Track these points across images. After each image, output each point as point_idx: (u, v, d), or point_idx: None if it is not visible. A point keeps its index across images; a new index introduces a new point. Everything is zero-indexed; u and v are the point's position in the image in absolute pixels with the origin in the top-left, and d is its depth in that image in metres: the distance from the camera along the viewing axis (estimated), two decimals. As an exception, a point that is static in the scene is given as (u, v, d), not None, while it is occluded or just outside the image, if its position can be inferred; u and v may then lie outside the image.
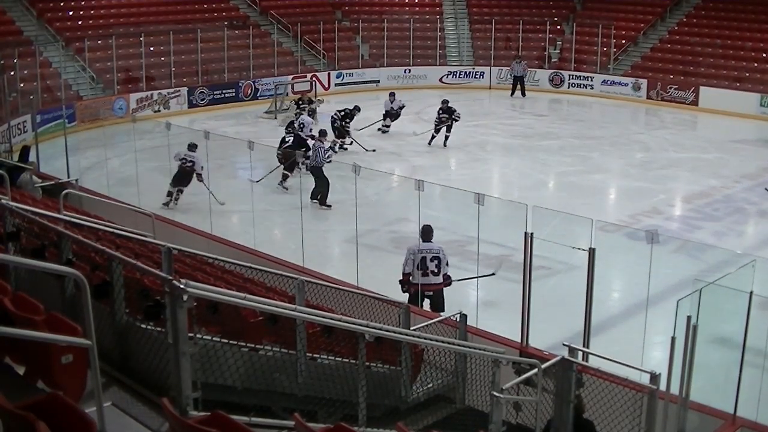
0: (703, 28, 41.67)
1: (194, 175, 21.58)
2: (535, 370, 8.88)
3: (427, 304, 14.25)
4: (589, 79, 41.72)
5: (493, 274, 13.59)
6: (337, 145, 26.20)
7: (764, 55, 39.00)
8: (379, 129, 30.18)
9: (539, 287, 13.49)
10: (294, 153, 23.22)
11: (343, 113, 27.61)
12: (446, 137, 28.66)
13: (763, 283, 11.84)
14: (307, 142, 24.02)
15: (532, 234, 12.11)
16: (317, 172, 21.47)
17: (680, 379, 9.46)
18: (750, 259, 12.37)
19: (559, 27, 44.12)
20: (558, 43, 43.64)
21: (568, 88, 41.86)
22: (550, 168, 27.15)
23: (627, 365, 9.19)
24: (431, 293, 14.27)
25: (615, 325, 14.67)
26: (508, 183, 25.66)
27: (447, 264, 14.42)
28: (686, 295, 9.76)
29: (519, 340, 11.99)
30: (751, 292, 10.17)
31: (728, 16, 41.34)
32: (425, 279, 14.17)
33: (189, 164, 21.66)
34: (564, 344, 9.54)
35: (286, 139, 24.63)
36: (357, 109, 27.89)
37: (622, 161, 28.29)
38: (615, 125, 34.83)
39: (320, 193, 21.41)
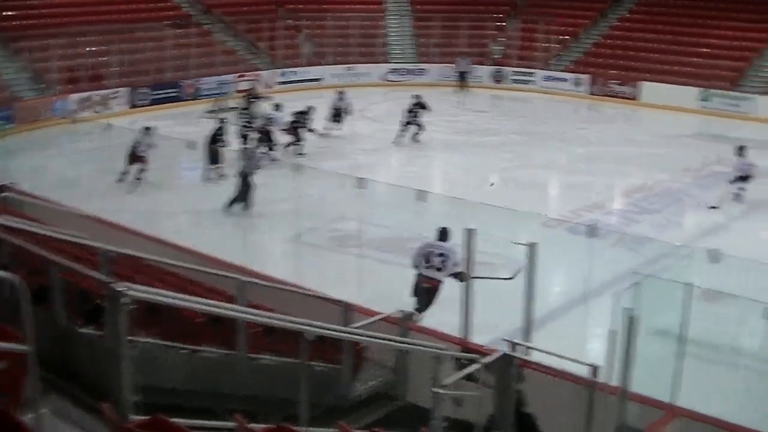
0: (644, 24, 42.15)
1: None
2: (477, 366, 8.94)
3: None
4: (531, 75, 42.06)
5: (511, 278, 13.67)
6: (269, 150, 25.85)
7: (704, 50, 39.58)
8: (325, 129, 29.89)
9: (481, 283, 13.60)
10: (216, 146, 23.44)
11: (296, 118, 27.35)
12: (416, 133, 28.91)
13: (701, 274, 12.04)
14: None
15: (473, 230, 12.18)
16: (245, 178, 20.85)
17: (620, 371, 9.57)
18: (688, 251, 12.56)
19: (501, 23, 44.35)
20: (500, 39, 43.85)
21: (511, 84, 42.13)
22: (491, 164, 27.24)
23: (567, 358, 9.28)
24: (429, 286, 14.24)
25: (557, 318, 14.78)
26: (450, 180, 25.69)
27: (456, 265, 14.05)
28: (625, 287, 9.89)
29: (460, 336, 12.06)
30: (689, 284, 10.33)
31: (669, 11, 41.91)
32: (428, 271, 14.21)
33: (136, 144, 22.74)
34: (504, 339, 9.61)
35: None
36: (311, 109, 27.73)
37: (564, 156, 28.48)
38: (557, 121, 35.09)
39: (237, 197, 20.83)
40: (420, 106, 29.11)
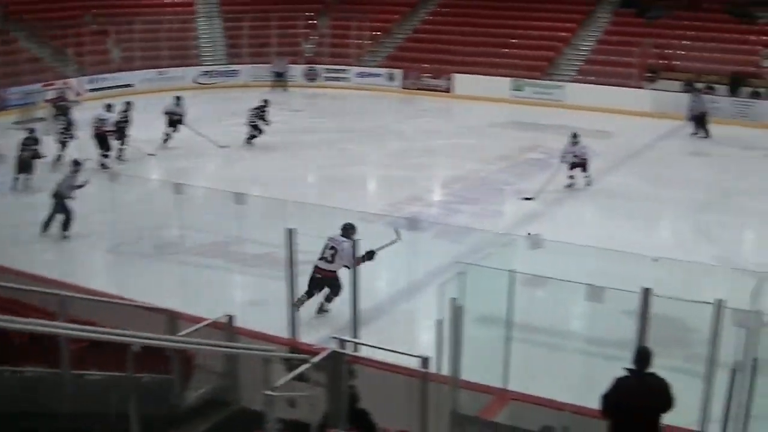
0: (454, 17, 42.88)
1: None
2: (306, 366, 8.87)
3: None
4: (345, 72, 42.23)
5: (395, 240, 13.94)
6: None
7: (515, 40, 40.57)
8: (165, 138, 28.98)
9: (306, 282, 13.59)
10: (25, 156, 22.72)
11: (120, 117, 26.59)
12: (253, 136, 28.58)
13: (524, 261, 12.24)
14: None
15: (294, 229, 12.11)
16: (59, 201, 19.34)
17: (450, 360, 9.64)
18: (509, 239, 12.73)
19: (312, 21, 44.35)
20: (312, 37, 43.86)
21: (325, 81, 42.20)
22: (309, 163, 27.15)
23: (397, 352, 9.28)
24: (320, 276, 14.52)
25: (386, 312, 14.82)
26: (268, 180, 25.32)
27: (350, 258, 14.00)
28: (449, 277, 9.97)
29: (289, 337, 11.98)
30: (512, 270, 10.49)
31: (478, 3, 42.75)
32: (319, 262, 14.51)
33: None
34: (333, 337, 9.57)
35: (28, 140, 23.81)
36: (129, 105, 27.07)
37: (381, 151, 28.64)
38: (373, 116, 35.29)
39: (64, 223, 19.33)
40: (260, 112, 28.66)
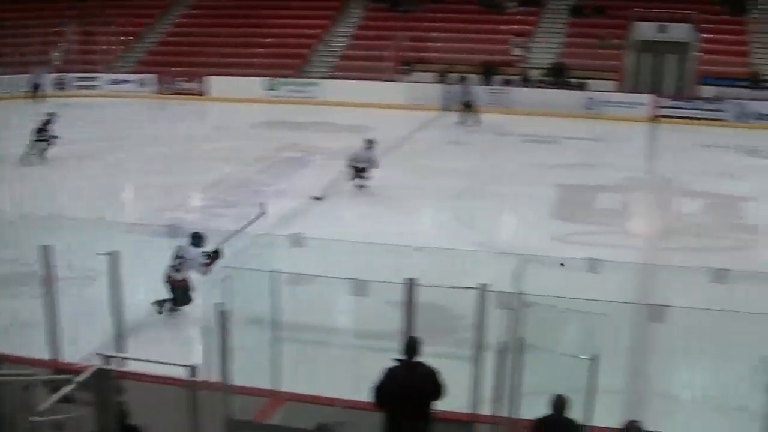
0: (206, 19, 42.86)
1: None
2: (71, 386, 8.60)
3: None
4: (95, 79, 41.26)
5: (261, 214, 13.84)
6: None
7: (268, 39, 40.81)
8: None
9: (68, 299, 13.12)
10: None
11: None
12: (43, 149, 27.14)
13: (288, 260, 12.29)
14: None
15: (50, 246, 11.70)
16: None
17: (219, 367, 9.55)
18: (270, 239, 12.69)
19: (59, 29, 43.05)
20: (60, 45, 42.61)
21: (76, 90, 41.06)
22: (67, 175, 26.19)
23: (163, 363, 9.12)
24: (172, 285, 14.62)
25: (152, 323, 14.55)
26: (26, 196, 24.42)
27: (198, 265, 14.62)
28: (214, 282, 9.91)
29: (50, 357, 11.59)
30: (275, 270, 10.50)
31: (229, 4, 42.94)
32: (168, 270, 14.61)
33: None
34: (97, 354, 9.33)
35: None
36: None
37: (138, 159, 28.04)
38: (127, 124, 34.69)
39: None
40: (46, 125, 27.28)
